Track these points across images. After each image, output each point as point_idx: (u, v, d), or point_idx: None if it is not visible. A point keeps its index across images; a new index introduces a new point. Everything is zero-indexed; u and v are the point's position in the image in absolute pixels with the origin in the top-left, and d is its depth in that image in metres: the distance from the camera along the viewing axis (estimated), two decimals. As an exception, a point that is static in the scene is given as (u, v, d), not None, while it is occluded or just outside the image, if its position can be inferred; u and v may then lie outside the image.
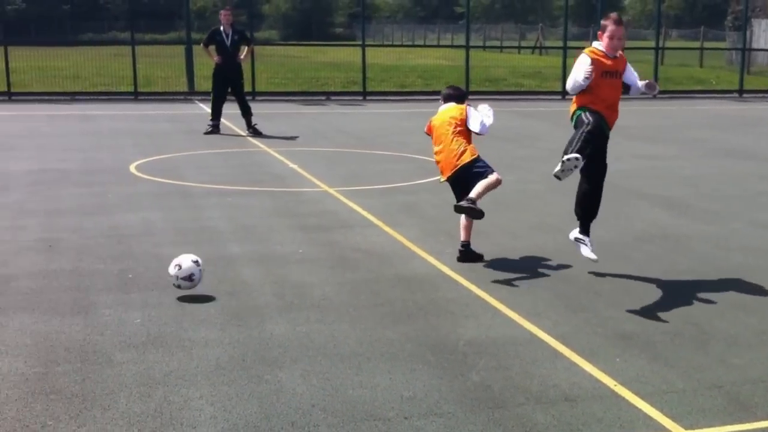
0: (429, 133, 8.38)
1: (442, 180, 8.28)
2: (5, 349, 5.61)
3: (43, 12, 52.18)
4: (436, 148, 8.25)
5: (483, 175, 7.89)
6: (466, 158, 7.98)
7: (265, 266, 7.63)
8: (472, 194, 7.71)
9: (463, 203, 7.64)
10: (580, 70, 7.12)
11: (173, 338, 5.86)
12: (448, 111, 8.30)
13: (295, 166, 12.88)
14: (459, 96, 8.54)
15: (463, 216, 7.98)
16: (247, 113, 16.95)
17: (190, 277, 6.73)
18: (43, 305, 6.50)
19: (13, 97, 23.44)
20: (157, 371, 5.31)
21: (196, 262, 6.80)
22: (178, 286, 6.74)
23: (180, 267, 6.73)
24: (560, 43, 30.25)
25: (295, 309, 6.50)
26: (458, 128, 8.12)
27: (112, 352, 5.59)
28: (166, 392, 5.01)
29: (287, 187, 11.38)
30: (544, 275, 7.53)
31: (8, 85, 23.63)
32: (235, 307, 6.53)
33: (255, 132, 16.77)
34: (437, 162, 8.26)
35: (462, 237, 8.02)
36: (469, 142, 8.12)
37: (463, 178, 8.01)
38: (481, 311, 6.54)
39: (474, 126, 8.17)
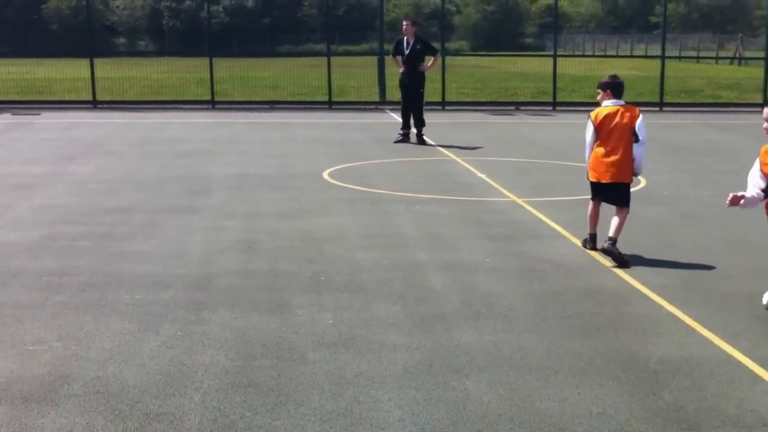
0: (598, 126, 8.20)
1: (596, 180, 8.15)
2: (208, 343, 5.88)
3: (245, 25, 54.25)
4: (604, 147, 8.10)
5: (626, 204, 8.11)
6: (630, 178, 8.05)
7: (452, 274, 7.65)
8: (614, 234, 8.04)
9: (609, 246, 7.98)
10: None
11: (363, 340, 5.97)
12: (625, 111, 8.19)
13: (483, 176, 12.87)
14: (621, 90, 8.38)
15: (615, 216, 8.14)
16: (419, 123, 16.88)
17: None
18: (242, 302, 6.76)
19: (217, 106, 24.46)
20: (348, 371, 5.41)
21: None
22: None
23: None
24: (761, 54, 28.95)
25: (482, 318, 6.49)
26: (632, 135, 8.08)
27: (305, 351, 5.75)
28: (356, 392, 5.10)
29: (475, 196, 11.38)
30: (742, 294, 7.18)
31: (212, 94, 24.69)
32: (423, 313, 6.58)
33: (422, 141, 16.76)
34: (599, 160, 8.12)
35: (610, 233, 8.05)
36: None
37: (614, 193, 8.06)
38: (674, 328, 6.33)
39: (642, 139, 8.07)
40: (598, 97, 8.51)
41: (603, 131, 8.17)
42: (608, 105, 8.29)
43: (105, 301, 6.78)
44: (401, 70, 16.90)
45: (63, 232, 9.08)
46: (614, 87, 8.32)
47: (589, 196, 8.56)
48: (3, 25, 52.72)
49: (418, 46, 16.82)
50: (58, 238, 8.85)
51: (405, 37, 16.86)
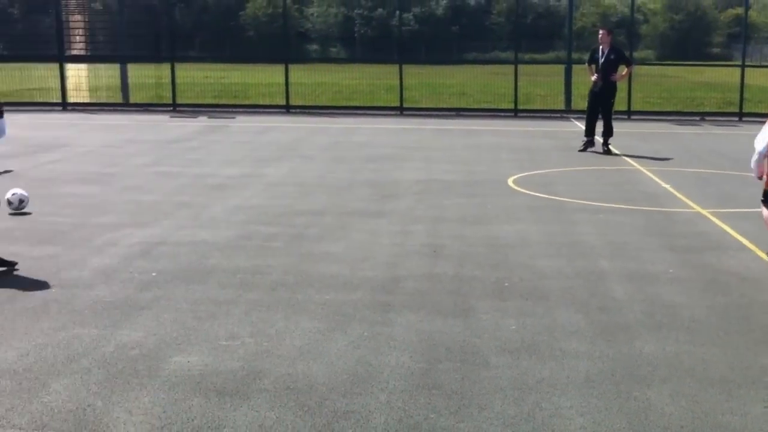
0: None
1: None
2: (394, 344, 5.96)
3: (434, 32, 54.57)
4: None
5: None
6: None
7: (635, 284, 7.50)
8: None
9: None
10: None
11: (546, 347, 5.93)
12: None
13: (667, 186, 12.51)
14: None
15: None
16: (607, 133, 16.57)
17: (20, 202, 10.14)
18: (427, 306, 6.82)
19: (405, 112, 24.72)
20: (530, 377, 5.40)
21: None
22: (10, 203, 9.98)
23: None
24: None
25: (665, 328, 6.33)
26: None
27: (488, 355, 5.76)
28: (539, 399, 5.08)
29: (659, 206, 11.08)
30: None
31: (401, 100, 24.96)
32: (605, 322, 6.48)
33: (607, 151, 16.45)
34: None
35: None
36: None
37: None
38: None
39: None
40: None
41: None
42: None
43: (295, 300, 6.91)
44: (594, 78, 16.63)
45: (256, 232, 9.30)
46: None
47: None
48: (201, 31, 54.62)
49: (612, 56, 16.50)
50: (252, 237, 9.06)
51: (600, 46, 16.60)
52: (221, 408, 4.91)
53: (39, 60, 27.63)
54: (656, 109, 25.83)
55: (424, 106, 25.95)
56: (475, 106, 25.96)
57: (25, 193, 10.39)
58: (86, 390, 5.10)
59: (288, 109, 24.97)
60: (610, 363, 5.65)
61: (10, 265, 7.72)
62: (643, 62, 35.85)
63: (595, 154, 16.30)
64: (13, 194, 10.28)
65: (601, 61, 16.48)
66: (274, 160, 15.02)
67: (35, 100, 25.97)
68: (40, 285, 7.24)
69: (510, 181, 12.85)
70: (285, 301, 6.89)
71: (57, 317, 6.43)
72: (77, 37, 26.90)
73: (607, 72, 16.48)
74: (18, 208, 10.25)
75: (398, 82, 24.97)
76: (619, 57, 16.72)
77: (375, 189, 12.07)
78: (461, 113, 24.95)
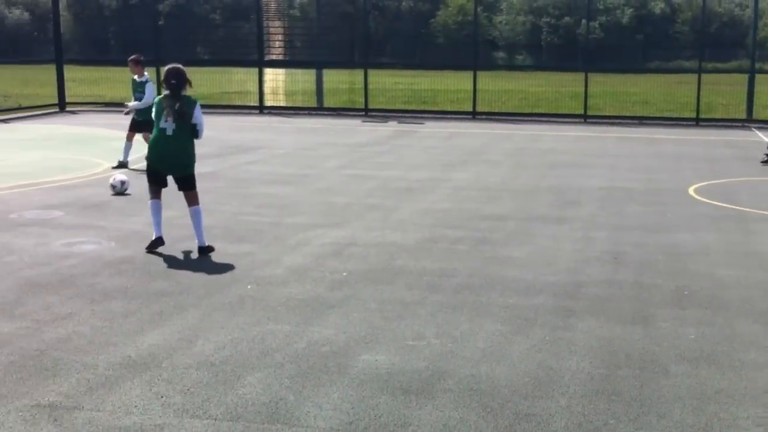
0: None
1: None
2: (575, 349, 5.88)
3: (619, 41, 53.22)
4: None
5: None
6: None
7: (821, 298, 7.07)
8: None
9: None
10: None
11: (725, 357, 5.71)
12: None
13: None
14: None
15: None
16: None
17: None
18: (608, 312, 6.69)
19: (588, 120, 24.22)
20: (709, 387, 5.22)
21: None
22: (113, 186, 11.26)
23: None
24: None
25: None
26: None
27: (667, 364, 5.60)
28: (717, 409, 4.91)
29: None
30: None
31: (585, 108, 24.44)
32: (788, 335, 6.16)
33: None
34: None
35: None
36: None
37: None
38: None
39: None
40: None
41: None
42: None
43: (479, 303, 6.87)
44: None
45: (442, 235, 9.25)
46: None
47: None
48: (393, 38, 55.18)
49: None
50: (438, 240, 9.03)
51: None
52: (407, 406, 4.93)
53: (239, 64, 27.96)
54: None
55: (607, 114, 25.32)
56: (658, 115, 25.12)
57: (125, 177, 11.59)
58: (279, 384, 5.17)
59: (474, 115, 24.67)
60: (792, 376, 5.37)
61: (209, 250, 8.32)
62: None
63: (765, 164, 15.40)
64: (114, 179, 11.51)
65: None
66: (460, 164, 14.97)
67: (234, 103, 26.23)
68: (237, 281, 7.38)
69: (691, 190, 12.38)
70: (469, 303, 6.87)
71: (252, 313, 6.53)
72: (276, 43, 27.12)
73: None
74: (121, 190, 11.34)
75: (583, 89, 24.46)
76: None
77: (558, 195, 11.90)
78: (644, 121, 24.18)
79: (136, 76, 13.82)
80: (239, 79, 27.57)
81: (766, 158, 15.67)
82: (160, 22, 30.73)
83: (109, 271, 7.65)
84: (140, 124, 13.38)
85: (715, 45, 42.53)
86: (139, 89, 13.70)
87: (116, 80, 26.20)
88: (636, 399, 5.05)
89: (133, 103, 13.76)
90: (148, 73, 14.36)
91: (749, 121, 23.58)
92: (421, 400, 5.01)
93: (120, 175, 11.71)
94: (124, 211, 10.31)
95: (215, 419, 4.72)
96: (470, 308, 6.75)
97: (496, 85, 27.90)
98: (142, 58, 14.01)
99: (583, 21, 28.97)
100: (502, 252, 8.60)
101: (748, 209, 10.93)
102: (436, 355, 5.72)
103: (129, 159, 13.76)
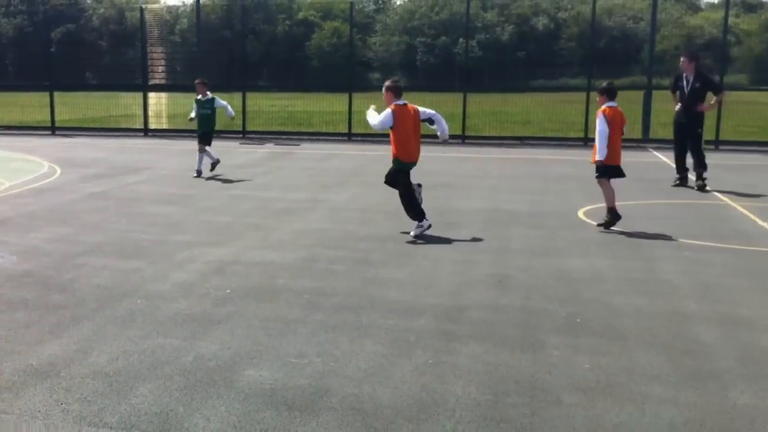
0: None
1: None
2: (459, 374, 6.05)
3: (499, 59, 54.84)
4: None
5: None
6: None
7: (727, 328, 7.33)
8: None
9: None
10: None
11: (624, 389, 5.83)
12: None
13: (766, 225, 12.28)
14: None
15: None
16: (699, 166, 16.01)
17: None
18: (493, 337, 6.86)
19: (467, 140, 24.79)
20: (607, 420, 5.31)
21: None
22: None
23: None
24: None
25: (763, 379, 6.16)
26: None
27: (560, 393, 5.70)
28: (620, 443, 4.98)
29: (755, 245, 10.85)
30: None
31: (463, 129, 25.11)
32: (692, 367, 6.34)
33: (702, 187, 15.84)
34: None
35: None
36: None
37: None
38: None
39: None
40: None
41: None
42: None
43: (360, 323, 7.32)
44: (677, 108, 16.29)
45: (321, 255, 10.00)
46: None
47: None
48: (270, 62, 57.07)
49: (698, 84, 16.03)
50: (317, 260, 9.77)
51: (684, 74, 16.17)
52: (291, 422, 5.32)
53: (125, 89, 32.10)
54: (749, 139, 25.42)
55: (487, 134, 25.99)
56: (541, 135, 25.92)
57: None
58: (169, 396, 5.81)
59: (350, 136, 26.49)
60: (699, 412, 5.52)
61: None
62: (734, 87, 35.61)
63: (676, 187, 16.07)
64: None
65: (687, 89, 16.09)
66: (337, 185, 15.98)
67: (121, 126, 29.92)
68: (128, 296, 8.32)
69: (580, 213, 12.75)
70: (350, 323, 7.33)
71: (142, 326, 7.34)
72: (158, 68, 30.31)
73: (692, 101, 16.05)
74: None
75: (461, 110, 25.14)
76: (705, 84, 16.23)
77: (438, 217, 12.13)
78: (526, 142, 24.92)
79: (200, 96, 17.91)
80: (125, 103, 31.59)
81: (676, 182, 16.23)
82: (51, 49, 35.39)
83: (12, 284, 8.77)
84: (203, 136, 17.76)
85: (606, 61, 44.41)
86: (205, 106, 17.91)
87: (13, 104, 32.46)
88: (526, 427, 5.12)
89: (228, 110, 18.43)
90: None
91: (645, 141, 24.54)
92: (306, 417, 5.42)
93: None
94: (25, 227, 11.75)
95: (111, 428, 5.36)
96: (351, 328, 7.21)
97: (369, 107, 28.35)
98: (206, 81, 18.18)
99: (461, 40, 29.87)
100: (382, 273, 9.08)
101: (645, 234, 11.30)
102: (319, 374, 6.14)
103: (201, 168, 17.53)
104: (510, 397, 5.60)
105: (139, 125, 29.10)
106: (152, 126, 29.24)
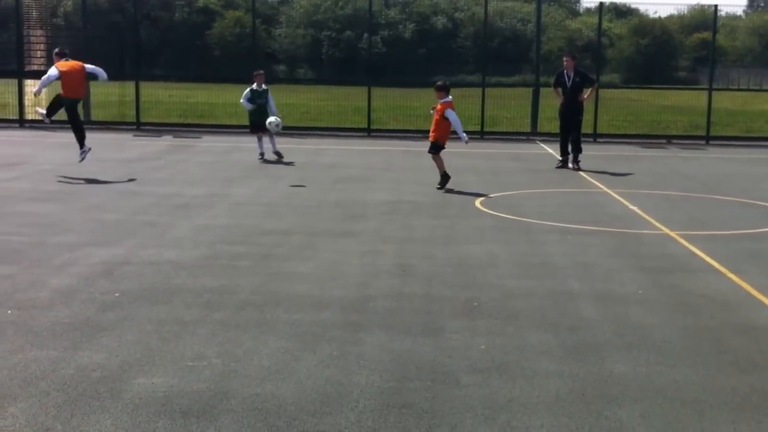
0: None
1: None
2: (364, 363, 5.93)
3: (402, 55, 54.89)
4: None
5: None
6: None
7: (604, 304, 7.52)
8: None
9: None
10: None
11: (516, 367, 5.92)
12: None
13: (635, 208, 12.59)
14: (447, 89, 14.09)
15: None
16: (576, 150, 17.75)
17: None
18: (397, 325, 6.80)
19: (372, 133, 24.78)
20: (501, 397, 5.38)
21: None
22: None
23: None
24: None
25: (635, 349, 6.35)
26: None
27: (459, 375, 5.74)
28: (509, 418, 5.07)
29: (627, 228, 11.14)
30: None
31: (369, 122, 25.04)
32: (575, 342, 6.49)
33: (577, 167, 17.50)
34: None
35: None
36: None
37: None
38: (837, 368, 6.04)
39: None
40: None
41: None
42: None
43: (263, 320, 6.86)
44: (561, 101, 17.83)
45: (223, 252, 9.23)
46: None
47: (746, 231, 8.28)
48: (167, 49, 54.35)
49: (578, 79, 17.82)
50: (219, 257, 8.99)
51: (565, 71, 17.82)
52: (187, 429, 4.84)
53: None
54: (622, 132, 26.04)
55: (391, 127, 26.01)
56: (443, 129, 26.00)
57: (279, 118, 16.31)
58: (45, 413, 4.99)
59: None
60: (581, 383, 5.65)
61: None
62: (609, 86, 36.37)
63: (561, 176, 16.43)
64: (269, 122, 16.12)
65: (569, 84, 17.70)
66: (240, 179, 14.98)
67: None
68: None
69: (477, 203, 12.88)
70: (253, 320, 6.84)
71: (13, 339, 6.29)
72: (38, 53, 26.60)
73: (574, 94, 17.74)
74: (276, 129, 16.10)
75: (366, 103, 25.03)
76: (583, 79, 18.03)
77: (343, 209, 12.06)
78: (428, 135, 24.95)
79: (255, 86, 18.18)
80: (-4, 91, 26.85)
81: (559, 164, 17.24)
82: None
83: None
84: (255, 123, 18.04)
85: (499, 60, 44.81)
86: (262, 96, 18.17)
87: None
88: (427, 411, 5.13)
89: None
90: None
91: (534, 134, 24.92)
92: (203, 423, 4.93)
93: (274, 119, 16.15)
94: None
95: (-26, 455, 4.50)
96: (254, 326, 6.71)
97: (276, 99, 27.88)
98: (262, 72, 18.62)
99: (365, 35, 29.66)
100: (287, 267, 8.61)
101: (535, 221, 11.49)
102: (218, 375, 5.64)
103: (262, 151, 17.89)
104: (412, 382, 5.57)
105: (14, 115, 25.10)
106: (30, 117, 24.75)
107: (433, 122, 14.80)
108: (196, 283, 7.91)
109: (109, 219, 10.99)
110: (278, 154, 17.91)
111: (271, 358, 5.99)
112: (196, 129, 24.95)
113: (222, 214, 11.53)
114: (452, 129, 14.61)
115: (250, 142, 21.57)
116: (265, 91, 18.26)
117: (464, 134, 14.73)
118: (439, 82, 14.84)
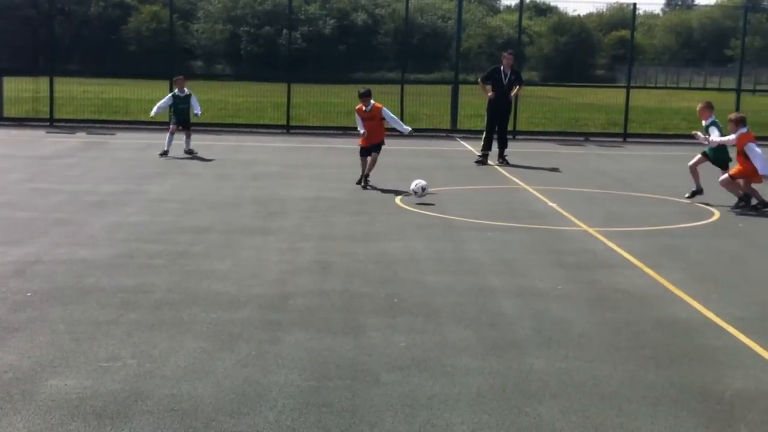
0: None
1: None
2: (283, 362, 5.88)
3: (322, 51, 54.75)
4: None
5: None
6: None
7: (524, 300, 7.59)
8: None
9: None
10: None
11: (436, 363, 5.94)
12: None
13: (554, 205, 12.75)
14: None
15: None
16: (503, 146, 18.17)
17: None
18: (317, 323, 6.76)
19: (291, 130, 24.64)
20: (421, 394, 5.38)
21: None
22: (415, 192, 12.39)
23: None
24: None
25: (555, 344, 6.42)
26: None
27: (379, 372, 5.73)
28: (430, 415, 5.07)
29: (546, 224, 11.27)
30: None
31: (288, 119, 24.88)
32: (495, 338, 6.53)
33: (503, 162, 17.88)
34: None
35: None
36: None
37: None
38: (750, 361, 6.18)
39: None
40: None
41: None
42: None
43: (180, 319, 6.79)
44: (491, 96, 18.01)
45: (138, 250, 9.11)
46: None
47: (662, 227, 8.43)
48: (81, 44, 53.36)
49: (513, 77, 18.32)
50: (134, 255, 8.88)
51: (502, 68, 18.15)
52: (101, 431, 4.76)
53: None
54: (541, 129, 26.39)
55: (311, 124, 25.90)
56: (363, 125, 25.99)
57: (424, 181, 12.84)
58: None
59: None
60: (501, 378, 5.69)
61: None
62: (528, 83, 36.85)
63: (481, 173, 16.54)
64: (416, 184, 12.73)
65: (505, 81, 18.05)
66: (156, 176, 14.80)
67: None
68: None
69: (398, 200, 12.90)
70: (169, 320, 6.75)
71: None
72: None
73: (509, 91, 18.20)
74: (422, 195, 12.67)
75: (285, 100, 24.88)
76: (517, 78, 18.59)
77: (262, 206, 11.97)
78: (348, 132, 24.94)
79: (177, 91, 17.96)
80: None
81: (480, 158, 17.35)
82: None
83: None
84: (176, 121, 18.13)
85: (418, 56, 45.04)
86: (185, 101, 18.17)
87: None
88: (347, 409, 5.11)
89: None
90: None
91: (453, 131, 25.08)
92: (117, 424, 4.85)
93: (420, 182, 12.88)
94: None
95: None
96: (170, 325, 6.64)
97: (195, 95, 27.56)
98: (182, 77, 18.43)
99: (285, 31, 29.42)
100: (204, 265, 8.53)
101: (454, 217, 11.55)
102: (133, 376, 5.56)
103: None
104: (332, 381, 5.54)
105: None
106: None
107: (369, 127, 14.72)
108: (110, 282, 7.79)
109: (20, 217, 10.74)
110: (190, 152, 17.63)
111: (187, 358, 5.92)
112: (111, 125, 24.60)
113: (137, 212, 11.37)
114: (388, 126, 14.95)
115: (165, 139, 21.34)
116: (188, 96, 18.17)
117: (405, 126, 15.54)
118: (362, 90, 14.91)
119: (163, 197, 12.62)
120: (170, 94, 18.02)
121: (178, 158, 17.29)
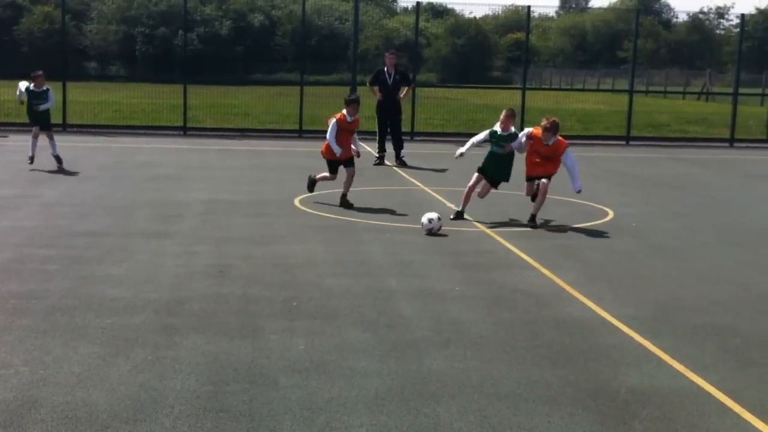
0: None
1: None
2: (179, 367, 5.82)
3: (218, 53, 54.18)
4: None
5: None
6: None
7: (422, 301, 7.66)
8: None
9: None
10: None
11: (335, 366, 5.94)
12: None
13: (452, 206, 12.88)
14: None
15: None
16: (398, 147, 18.20)
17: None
18: (214, 327, 6.71)
19: (188, 132, 24.34)
20: (320, 397, 5.39)
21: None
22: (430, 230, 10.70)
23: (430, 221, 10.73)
24: (728, 89, 29.29)
25: (453, 345, 6.49)
26: None
27: (277, 376, 5.72)
28: (328, 418, 5.08)
29: (445, 225, 11.36)
30: (711, 327, 7.24)
31: (185, 120, 24.58)
32: (394, 339, 6.58)
33: (401, 163, 17.97)
34: None
35: None
36: None
37: None
38: (644, 360, 6.36)
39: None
40: None
41: None
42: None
43: (74, 325, 6.69)
44: (379, 97, 18.15)
45: (31, 255, 8.92)
46: None
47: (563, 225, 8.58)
48: (-29, 46, 51.88)
49: (398, 77, 18.28)
50: (26, 261, 8.70)
51: (386, 68, 18.17)
52: None
53: None
54: (439, 130, 26.64)
55: (208, 126, 25.64)
56: (260, 127, 25.92)
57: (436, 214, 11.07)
58: None
59: (65, 127, 23.85)
60: (400, 380, 5.72)
61: None
62: (426, 84, 37.16)
63: (380, 175, 16.61)
64: (430, 219, 10.84)
65: (390, 82, 18.10)
66: (49, 180, 14.53)
67: None
68: None
69: (296, 201, 12.87)
70: (63, 326, 6.66)
71: None
72: None
73: (395, 91, 18.20)
74: (434, 229, 10.79)
75: (182, 101, 24.57)
76: (403, 78, 18.53)
77: (158, 209, 11.80)
78: (246, 134, 24.82)
79: (34, 86, 16.78)
80: None
81: (377, 160, 17.56)
82: None
83: None
84: (33, 121, 16.88)
85: (316, 58, 44.99)
86: (40, 97, 16.88)
87: None
88: (245, 414, 5.08)
89: None
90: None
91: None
92: None
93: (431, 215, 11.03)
94: None
95: None
96: (63, 331, 6.54)
97: (88, 97, 27.15)
98: (41, 72, 17.03)
99: (180, 32, 29.04)
100: (99, 270, 8.41)
101: (353, 219, 11.58)
102: (26, 384, 5.46)
103: None
104: (230, 385, 5.51)
105: None
106: None
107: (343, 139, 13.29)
108: (1, 288, 7.67)
109: None
110: (57, 158, 16.14)
111: (81, 364, 5.84)
112: (3, 128, 23.91)
113: (30, 216, 11.16)
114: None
115: (59, 140, 20.72)
116: (45, 92, 16.90)
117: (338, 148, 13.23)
118: (351, 96, 13.78)
119: (57, 201, 12.41)
120: (24, 88, 17.06)
121: (72, 161, 16.86)
